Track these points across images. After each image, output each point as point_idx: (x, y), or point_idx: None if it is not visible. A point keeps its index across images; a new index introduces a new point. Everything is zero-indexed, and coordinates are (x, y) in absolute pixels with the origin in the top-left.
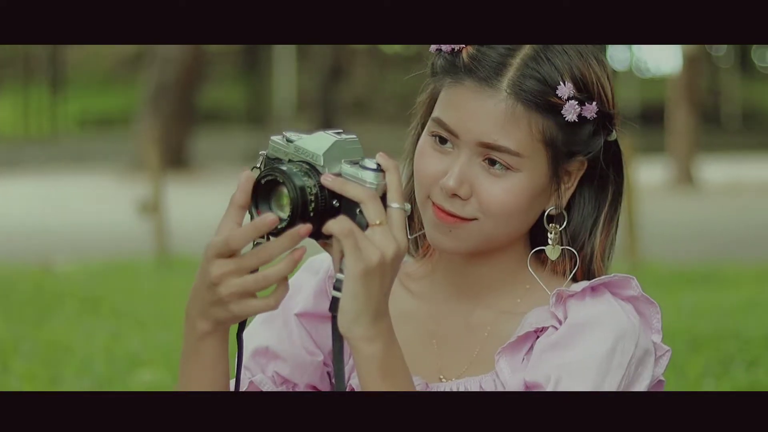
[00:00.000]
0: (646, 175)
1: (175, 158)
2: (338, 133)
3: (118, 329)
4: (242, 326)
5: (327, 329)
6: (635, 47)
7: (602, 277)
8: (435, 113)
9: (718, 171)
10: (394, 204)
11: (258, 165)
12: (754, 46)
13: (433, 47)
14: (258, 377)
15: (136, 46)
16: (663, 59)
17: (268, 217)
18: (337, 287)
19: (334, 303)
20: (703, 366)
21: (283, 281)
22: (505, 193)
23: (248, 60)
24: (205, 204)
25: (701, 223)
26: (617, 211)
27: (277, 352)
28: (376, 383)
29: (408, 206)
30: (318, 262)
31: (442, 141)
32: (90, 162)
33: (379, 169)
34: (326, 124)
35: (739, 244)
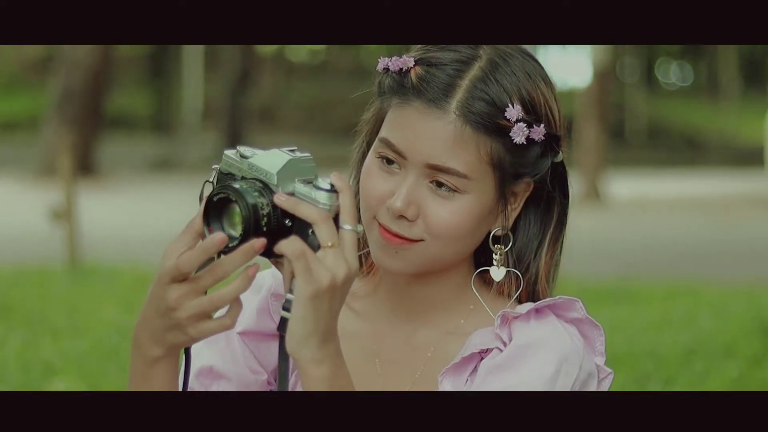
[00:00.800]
0: None
1: (82, 164)
2: (292, 151)
3: (31, 337)
4: None
5: (270, 347)
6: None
7: (547, 299)
8: (382, 133)
9: (624, 187)
10: (347, 226)
11: (211, 179)
12: (658, 62)
13: (380, 66)
14: None
15: (44, 48)
16: (571, 73)
17: (217, 237)
18: (286, 308)
19: (283, 323)
20: (620, 384)
21: (236, 299)
22: (452, 215)
23: (155, 66)
24: (113, 211)
25: (609, 239)
26: (562, 233)
27: (221, 372)
28: None
29: (361, 228)
30: (260, 280)
31: (389, 161)
32: None
33: (333, 190)
34: (233, 132)
35: (647, 261)
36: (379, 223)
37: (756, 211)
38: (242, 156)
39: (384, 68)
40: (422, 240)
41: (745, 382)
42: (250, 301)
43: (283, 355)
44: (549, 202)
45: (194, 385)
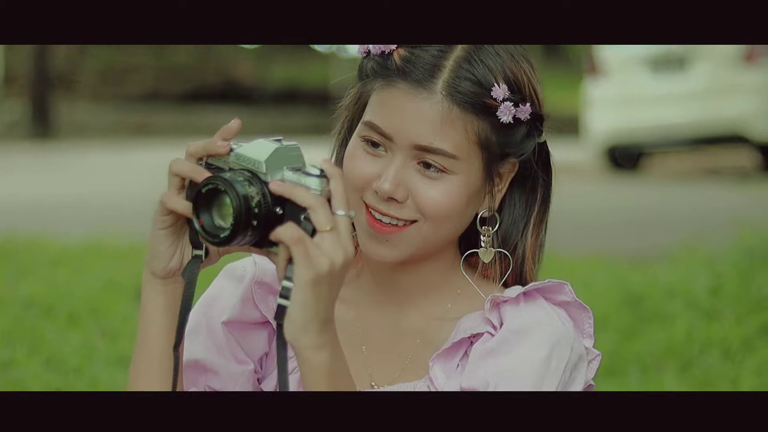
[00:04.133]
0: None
1: None
2: (278, 141)
3: None
4: (179, 339)
5: (255, 336)
6: None
7: (536, 282)
8: (367, 117)
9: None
10: (340, 211)
11: None
12: None
13: (360, 50)
14: (192, 390)
15: None
16: None
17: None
18: (283, 295)
19: (281, 311)
20: None
21: None
22: (442, 196)
23: None
24: None
25: None
26: (546, 213)
27: (207, 365)
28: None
29: (353, 213)
30: (240, 269)
31: (375, 144)
32: None
33: (323, 175)
34: (37, 100)
35: None
36: (367, 206)
37: (578, 180)
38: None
39: (365, 52)
40: (415, 221)
41: (621, 355)
42: (232, 290)
43: (282, 344)
44: (533, 182)
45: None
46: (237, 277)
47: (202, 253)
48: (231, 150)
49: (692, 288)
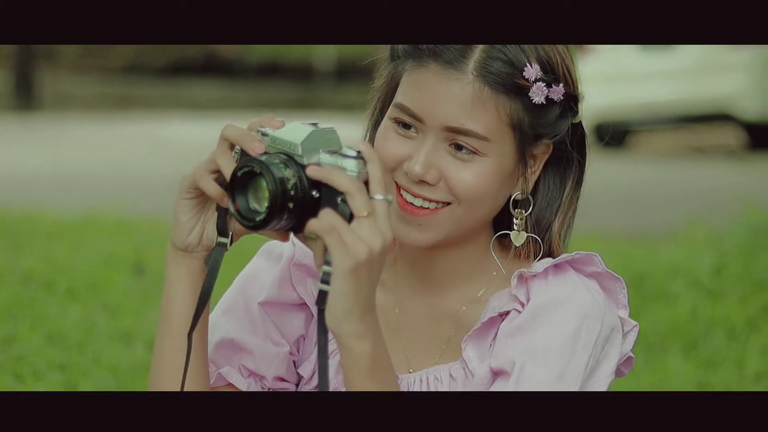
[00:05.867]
0: None
1: None
2: (314, 124)
3: None
4: (193, 326)
5: (292, 318)
6: None
7: (564, 255)
8: (398, 99)
9: None
10: (378, 195)
11: (234, 160)
12: None
13: None
14: (225, 369)
15: None
16: None
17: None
18: (324, 280)
19: (322, 296)
20: None
21: None
22: (474, 178)
23: None
24: None
25: None
26: (578, 193)
27: (242, 345)
28: (363, 381)
29: (391, 197)
30: (278, 248)
31: (406, 126)
32: None
33: (360, 157)
34: (21, 71)
35: None
36: (399, 186)
37: None
38: (263, 134)
39: None
40: (448, 204)
41: None
42: (269, 270)
43: (323, 330)
44: (567, 163)
45: (215, 358)
46: (274, 256)
47: (227, 241)
48: (266, 135)
49: (695, 267)
